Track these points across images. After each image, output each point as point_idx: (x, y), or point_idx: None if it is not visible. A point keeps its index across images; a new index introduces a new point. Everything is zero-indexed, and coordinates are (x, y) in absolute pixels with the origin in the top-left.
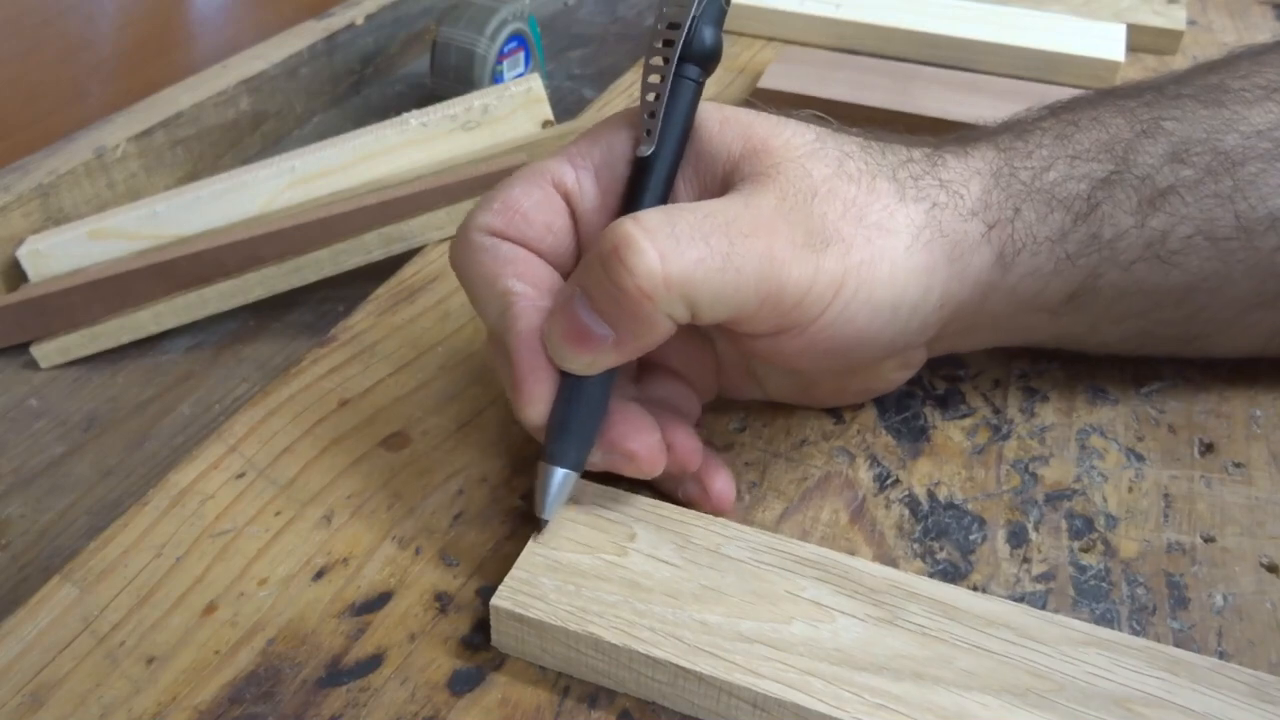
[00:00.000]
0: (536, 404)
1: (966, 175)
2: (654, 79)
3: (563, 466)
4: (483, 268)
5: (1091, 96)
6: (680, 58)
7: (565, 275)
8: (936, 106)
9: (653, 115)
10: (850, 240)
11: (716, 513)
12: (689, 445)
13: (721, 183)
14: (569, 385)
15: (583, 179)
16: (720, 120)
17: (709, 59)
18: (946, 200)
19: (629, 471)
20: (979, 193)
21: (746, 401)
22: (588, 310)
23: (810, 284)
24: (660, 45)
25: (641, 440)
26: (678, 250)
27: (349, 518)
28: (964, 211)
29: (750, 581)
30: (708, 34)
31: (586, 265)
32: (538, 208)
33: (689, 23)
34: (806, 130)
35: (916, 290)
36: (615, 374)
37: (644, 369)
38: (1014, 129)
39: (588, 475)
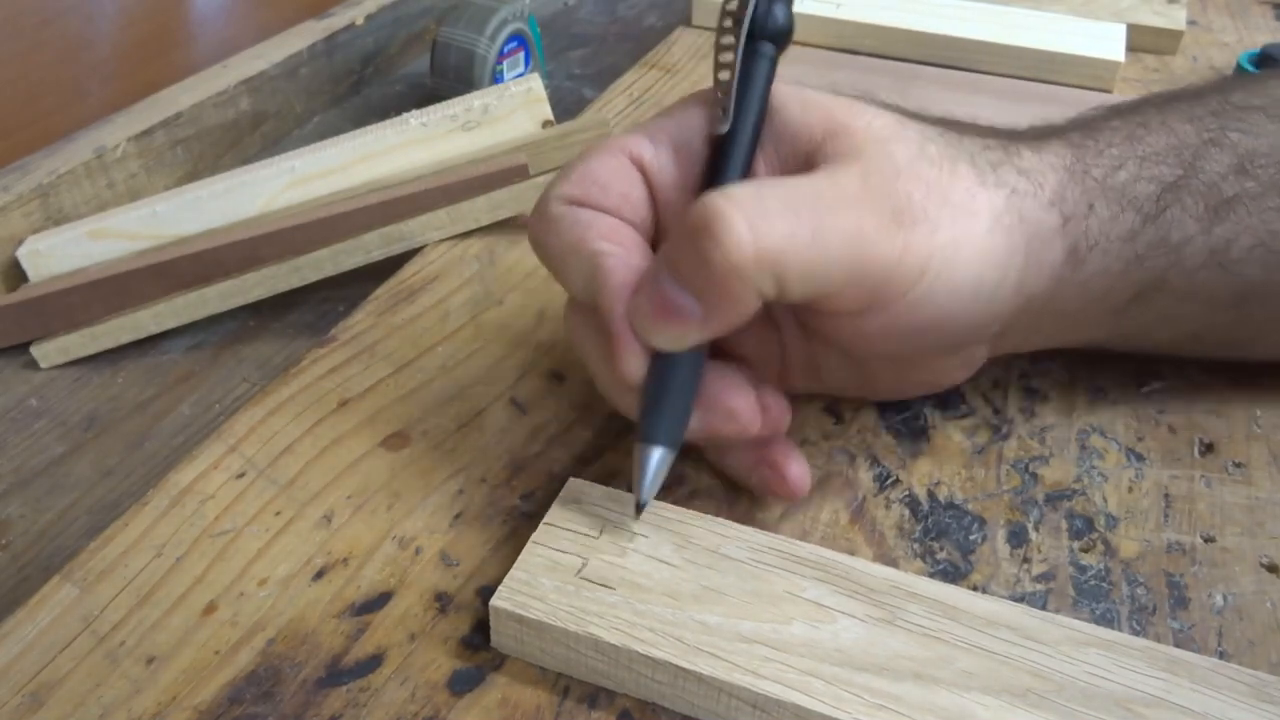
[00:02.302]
0: (634, 359)
1: (1042, 168)
2: (725, 57)
3: (660, 444)
4: (566, 234)
5: (1157, 100)
6: (751, 34)
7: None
8: (936, 106)
9: (726, 92)
10: (935, 220)
11: (791, 498)
12: (780, 404)
13: (804, 163)
14: (660, 362)
15: (660, 153)
16: (801, 102)
17: (781, 35)
18: (1026, 188)
19: (728, 431)
20: (1055, 185)
21: None
22: (675, 285)
23: (897, 261)
24: (729, 23)
25: (741, 397)
26: (768, 224)
27: (349, 518)
28: (1043, 201)
29: (750, 582)
30: (779, 10)
31: (674, 240)
32: (615, 177)
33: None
34: (886, 114)
35: (995, 274)
36: (705, 350)
37: (711, 356)
38: (1083, 128)
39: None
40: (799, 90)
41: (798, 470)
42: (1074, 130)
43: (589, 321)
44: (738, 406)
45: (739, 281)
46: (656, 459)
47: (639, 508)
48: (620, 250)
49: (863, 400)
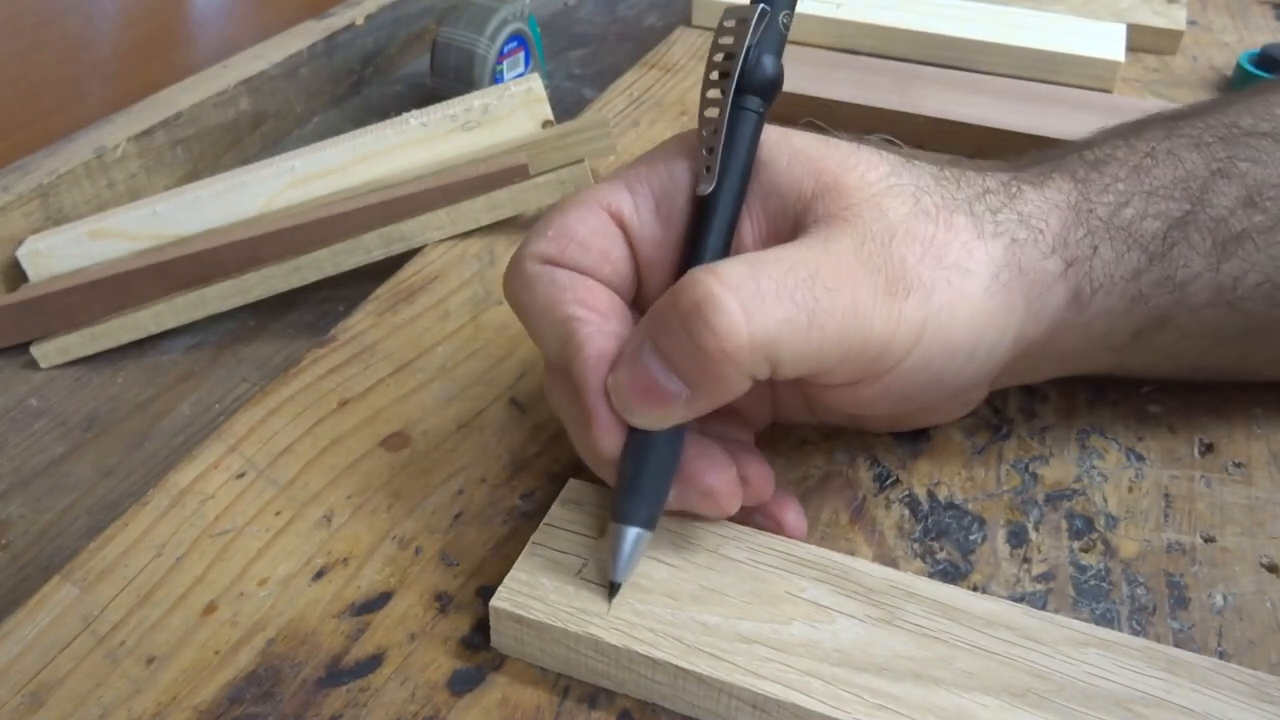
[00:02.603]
0: (611, 433)
1: (1045, 209)
2: (711, 112)
3: (635, 526)
4: (540, 296)
5: (1163, 122)
6: (739, 88)
7: (625, 304)
8: (936, 106)
9: (711, 150)
10: (930, 284)
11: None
12: (762, 475)
13: (793, 222)
14: (638, 438)
15: (640, 207)
16: (789, 155)
17: (769, 88)
18: (1026, 236)
19: (705, 509)
20: (1058, 228)
21: None
22: (659, 365)
23: (892, 334)
24: (716, 76)
25: (719, 475)
26: (763, 309)
27: (349, 518)
28: (1044, 249)
29: (750, 582)
30: (768, 62)
31: (659, 318)
32: (594, 235)
33: (745, 51)
34: (880, 163)
35: (994, 331)
36: (686, 426)
37: None
38: (1087, 158)
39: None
40: (785, 138)
41: (794, 517)
42: (1079, 163)
43: (565, 384)
44: (716, 485)
45: (732, 367)
46: (631, 540)
47: (613, 588)
48: (597, 317)
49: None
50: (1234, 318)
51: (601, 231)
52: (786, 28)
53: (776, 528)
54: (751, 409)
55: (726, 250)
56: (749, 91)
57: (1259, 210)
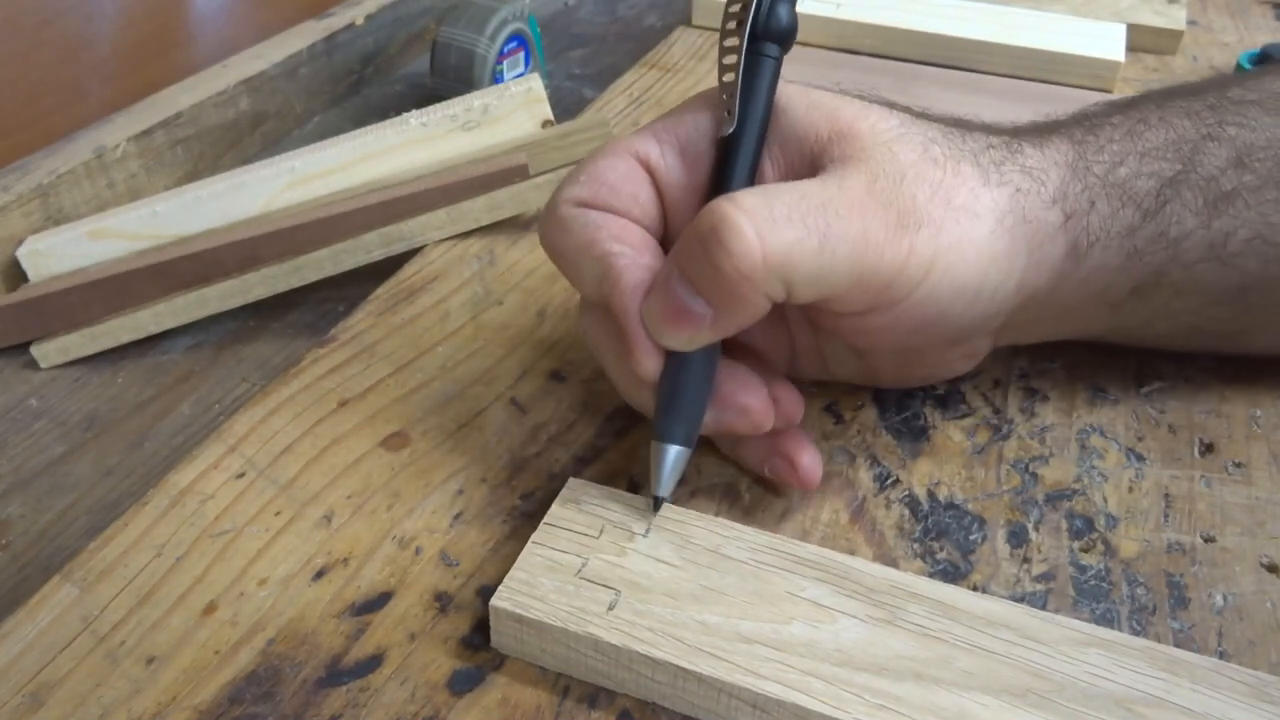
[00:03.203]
0: (650, 357)
1: (1045, 164)
2: (729, 59)
3: (675, 443)
4: (577, 236)
5: (1156, 95)
6: (755, 35)
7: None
8: (937, 106)
9: (730, 95)
10: (940, 222)
11: (803, 488)
12: (792, 396)
13: (809, 165)
14: (674, 361)
15: (667, 154)
16: (807, 104)
17: (785, 35)
18: (1028, 186)
19: (741, 427)
20: (1058, 182)
21: None
22: (685, 288)
23: (902, 265)
24: (733, 25)
25: (752, 394)
26: (775, 231)
27: (349, 518)
28: (1045, 199)
29: (750, 582)
30: (782, 10)
31: (683, 244)
32: (623, 179)
33: (758, 1)
34: (890, 115)
35: (998, 274)
36: (718, 349)
37: (724, 352)
38: (1084, 124)
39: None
40: (804, 91)
41: (809, 460)
42: (1075, 126)
43: (602, 321)
44: (750, 404)
45: (748, 286)
46: (673, 456)
47: (657, 503)
48: (631, 251)
49: (863, 400)
50: (1226, 274)
51: (630, 176)
52: None
53: (790, 470)
54: (772, 355)
55: (749, 186)
56: (765, 39)
57: (1248, 170)
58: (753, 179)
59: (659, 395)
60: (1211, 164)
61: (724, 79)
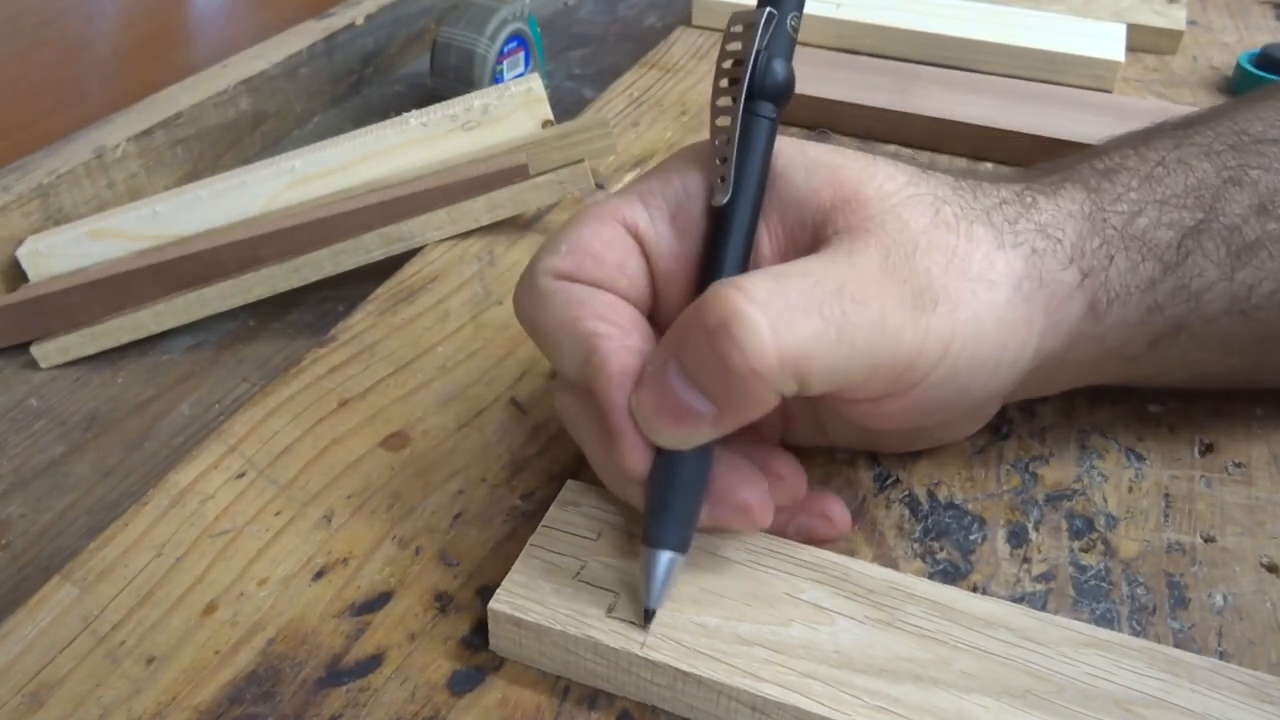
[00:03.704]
0: (638, 450)
1: (1060, 218)
2: (722, 121)
3: (668, 550)
4: (557, 312)
5: (1171, 131)
6: (750, 94)
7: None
8: (936, 106)
9: (725, 160)
10: (956, 296)
11: (838, 539)
12: (795, 471)
13: (811, 234)
14: (666, 458)
15: (656, 221)
16: (805, 166)
17: (782, 94)
18: (1044, 246)
19: (739, 525)
20: (1074, 238)
21: None
22: (684, 383)
23: (920, 347)
24: (725, 84)
25: (750, 490)
26: (791, 325)
27: (349, 518)
28: (1062, 259)
29: (749, 584)
30: (778, 67)
31: (683, 335)
32: (609, 248)
33: (754, 57)
34: (897, 173)
35: (1017, 343)
36: (714, 444)
37: None
38: (1098, 168)
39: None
40: (800, 148)
41: (840, 509)
42: (1090, 172)
43: (583, 404)
44: (749, 500)
45: (760, 385)
46: (664, 564)
47: (648, 615)
48: (618, 332)
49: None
50: (1248, 326)
51: (616, 244)
52: (795, 30)
53: (824, 522)
54: (765, 428)
55: (746, 262)
56: (760, 98)
57: (1272, 218)
58: (749, 252)
59: (649, 494)
60: (1234, 211)
61: (717, 142)
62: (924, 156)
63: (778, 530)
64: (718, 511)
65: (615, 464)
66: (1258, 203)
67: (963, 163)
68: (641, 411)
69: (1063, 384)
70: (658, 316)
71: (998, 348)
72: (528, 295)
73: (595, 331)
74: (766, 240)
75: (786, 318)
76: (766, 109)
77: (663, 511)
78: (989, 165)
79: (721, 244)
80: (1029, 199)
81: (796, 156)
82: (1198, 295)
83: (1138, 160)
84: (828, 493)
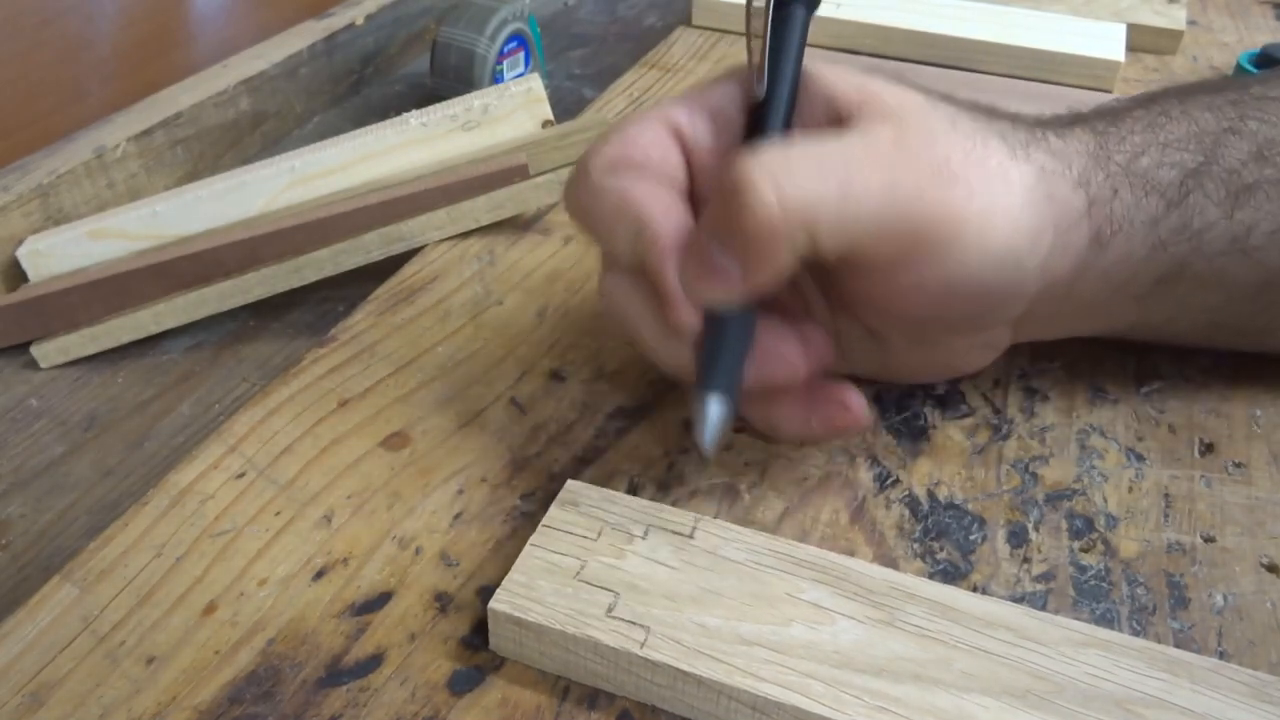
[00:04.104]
0: (689, 310)
1: (1069, 151)
2: (756, 22)
3: (718, 391)
4: (609, 197)
5: (1177, 91)
6: None
7: None
8: None
9: (760, 54)
10: (973, 184)
11: (858, 428)
12: (822, 336)
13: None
14: (713, 320)
15: (697, 121)
16: (834, 74)
17: None
18: (1055, 167)
19: (781, 375)
20: (1081, 169)
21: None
22: (717, 247)
23: (933, 214)
24: None
25: (789, 342)
26: (792, 182)
27: (349, 518)
28: (1071, 181)
29: (749, 583)
30: None
31: (713, 203)
32: (654, 144)
33: None
34: (918, 93)
35: (1025, 246)
36: (756, 309)
37: None
38: (1106, 116)
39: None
40: (832, 64)
41: (857, 398)
42: (1097, 119)
43: (634, 284)
44: (788, 351)
45: (770, 239)
46: (716, 408)
47: (705, 457)
48: (664, 209)
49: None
50: (1249, 268)
51: (661, 142)
52: None
53: (842, 410)
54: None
55: None
56: (792, 1)
57: (1269, 164)
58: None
59: (700, 351)
60: (1233, 156)
61: (752, 41)
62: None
63: (802, 428)
64: (763, 366)
65: (668, 326)
66: (1255, 150)
67: None
68: (684, 277)
69: (1072, 323)
70: (696, 212)
71: (1007, 243)
72: (581, 187)
73: (646, 208)
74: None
75: (788, 176)
76: (798, 10)
77: (714, 360)
78: None
79: (758, 133)
80: (1039, 132)
81: (825, 68)
82: (1199, 234)
83: (1143, 111)
84: (843, 382)
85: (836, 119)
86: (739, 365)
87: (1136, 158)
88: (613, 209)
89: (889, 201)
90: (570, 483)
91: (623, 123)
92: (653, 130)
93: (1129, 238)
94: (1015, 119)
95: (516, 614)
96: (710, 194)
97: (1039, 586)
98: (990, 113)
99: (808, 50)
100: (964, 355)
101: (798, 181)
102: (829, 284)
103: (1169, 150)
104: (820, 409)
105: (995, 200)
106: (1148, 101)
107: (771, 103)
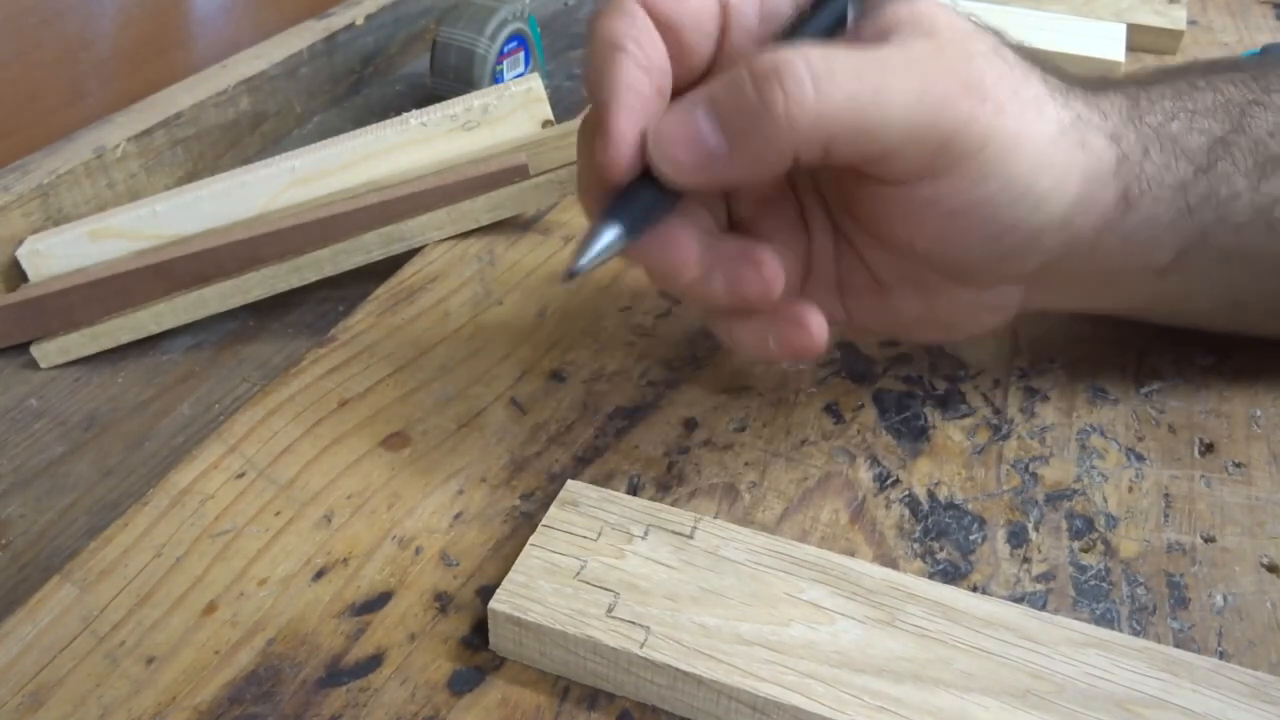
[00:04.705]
0: (623, 145)
1: (1104, 107)
2: None
3: (616, 222)
4: (615, 23)
5: (1202, 65)
6: None
7: (682, 90)
8: None
9: None
10: (1004, 105)
11: (815, 350)
12: (774, 258)
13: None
14: (641, 180)
15: (746, 1)
16: None
17: None
18: (1090, 116)
19: (753, 287)
20: (1115, 123)
21: (746, 401)
22: (709, 119)
23: (961, 125)
24: None
25: (762, 251)
26: (833, 85)
27: (349, 518)
28: (1105, 132)
29: (749, 583)
30: None
31: (725, 78)
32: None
33: None
34: (966, 19)
35: (1050, 183)
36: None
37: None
38: (1136, 82)
39: (595, 470)
40: None
41: (817, 319)
42: (1128, 84)
43: (591, 122)
44: (768, 270)
45: (789, 136)
46: (608, 236)
47: (571, 274)
48: (646, 64)
49: (863, 400)
50: (1272, 241)
51: (705, 6)
52: None
53: (799, 329)
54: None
55: None
56: None
57: None
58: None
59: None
60: (1260, 127)
61: None
62: None
63: (758, 343)
64: (738, 270)
65: (598, 158)
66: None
67: None
68: (658, 136)
69: (1089, 292)
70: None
71: (1031, 174)
72: (608, 5)
73: (626, 48)
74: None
75: (830, 79)
76: None
77: (628, 198)
78: None
79: (800, 28)
80: (1077, 90)
81: None
82: (1225, 203)
83: (1170, 80)
84: (805, 301)
85: (882, 32)
86: (654, 211)
87: (1168, 121)
88: (610, 34)
89: (918, 106)
90: (570, 483)
91: None
92: None
93: (1156, 200)
94: (1056, 68)
95: (516, 614)
96: (727, 69)
97: (1039, 586)
98: (1034, 55)
99: None
100: (968, 313)
101: (838, 84)
102: (838, 211)
103: (1198, 117)
104: (778, 327)
105: (1026, 125)
106: (1175, 73)
107: (820, 5)
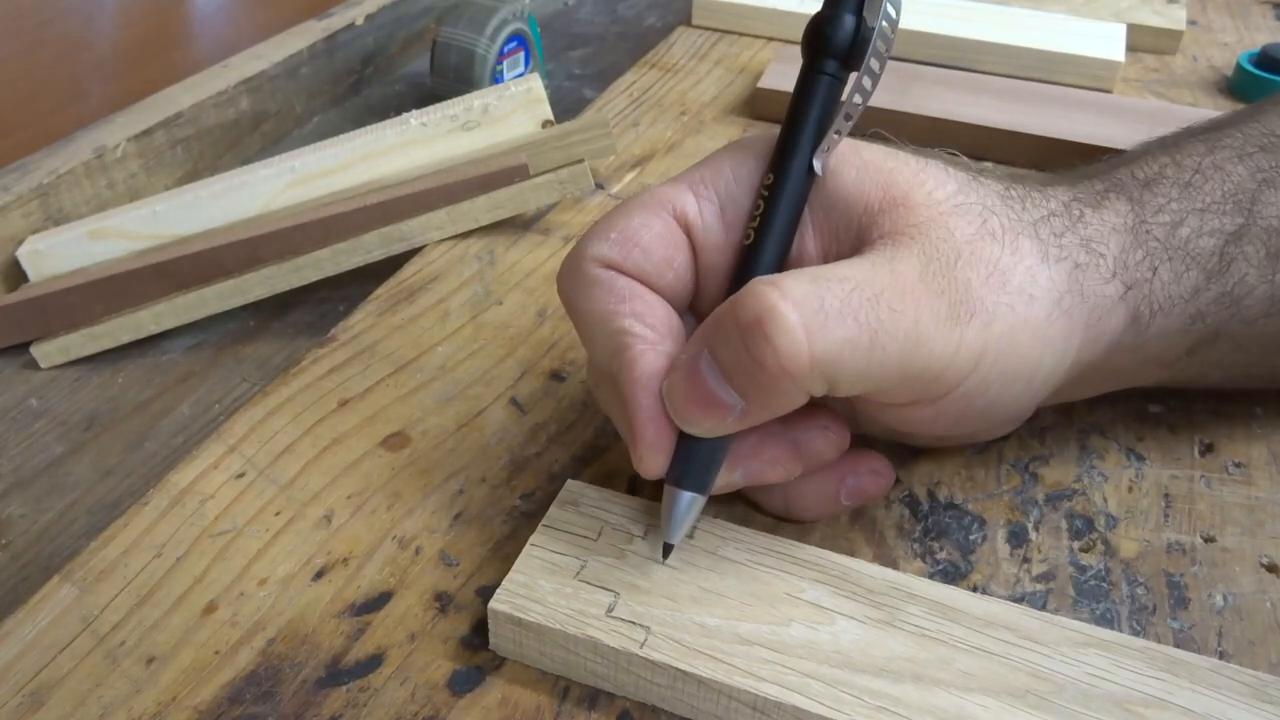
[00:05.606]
0: (658, 454)
1: (1105, 231)
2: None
3: (688, 489)
4: (597, 303)
5: (1202, 136)
6: (816, 50)
7: (682, 311)
8: (936, 106)
9: (785, 134)
10: (993, 310)
11: (889, 489)
12: (838, 420)
13: (856, 235)
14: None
15: (706, 212)
16: (857, 167)
17: (844, 51)
18: (1088, 261)
19: (773, 476)
20: (1118, 251)
21: None
22: (715, 375)
23: (952, 358)
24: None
25: (778, 443)
26: (825, 328)
27: (349, 518)
28: (1105, 273)
29: (749, 583)
30: (847, 21)
31: (718, 327)
32: (658, 240)
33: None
34: (948, 180)
35: (1052, 358)
36: None
37: None
38: (1138, 177)
39: (598, 478)
40: (855, 151)
41: (883, 463)
42: (1131, 181)
43: (613, 389)
44: (778, 454)
45: (790, 383)
46: (686, 502)
47: (666, 549)
48: (652, 335)
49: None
50: None
51: (666, 238)
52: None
53: (874, 478)
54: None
55: (784, 256)
56: (826, 55)
57: None
58: (789, 247)
59: (677, 444)
60: (1271, 214)
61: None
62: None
63: (831, 500)
64: (752, 466)
65: (634, 461)
66: None
67: (1004, 169)
68: (671, 398)
69: (1098, 389)
70: (698, 306)
71: (1032, 362)
72: (571, 279)
73: (629, 330)
74: (811, 238)
75: (821, 320)
76: (830, 66)
77: (686, 455)
78: (989, 165)
79: (767, 231)
80: (1076, 212)
81: (849, 157)
82: (1239, 300)
83: (1175, 169)
84: (867, 450)
85: (854, 225)
86: (715, 460)
87: (1175, 229)
88: (598, 316)
89: (912, 348)
90: (570, 483)
91: (625, 208)
92: (659, 224)
93: (1168, 315)
94: (1051, 201)
95: (516, 614)
96: (711, 303)
97: (1039, 586)
98: (1025, 195)
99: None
100: (986, 433)
101: (831, 327)
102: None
103: (1208, 216)
104: (849, 480)
105: (1018, 321)
106: (1176, 153)
107: (781, 199)
